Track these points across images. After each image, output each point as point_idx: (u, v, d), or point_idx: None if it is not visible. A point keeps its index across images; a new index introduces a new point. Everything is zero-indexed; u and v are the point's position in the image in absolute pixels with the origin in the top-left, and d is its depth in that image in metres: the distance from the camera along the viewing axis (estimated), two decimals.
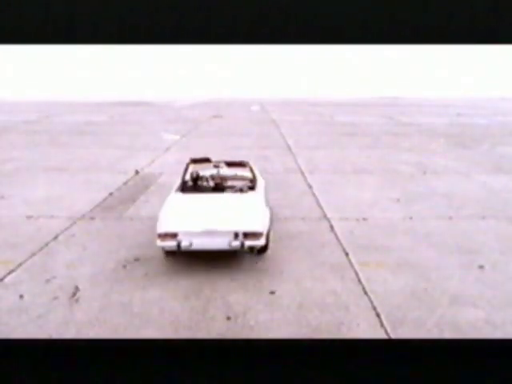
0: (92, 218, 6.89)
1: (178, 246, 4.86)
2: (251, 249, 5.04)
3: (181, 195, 5.93)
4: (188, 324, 3.89)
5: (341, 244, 5.79)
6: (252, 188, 6.26)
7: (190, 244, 4.89)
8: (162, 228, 4.99)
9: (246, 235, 4.93)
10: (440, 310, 4.14)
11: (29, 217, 6.92)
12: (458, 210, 7.44)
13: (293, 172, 10.89)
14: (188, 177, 6.59)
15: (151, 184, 9.41)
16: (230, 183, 6.61)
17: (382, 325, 3.88)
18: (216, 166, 6.84)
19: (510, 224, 6.73)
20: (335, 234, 6.18)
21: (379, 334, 3.75)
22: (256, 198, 5.91)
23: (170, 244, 4.89)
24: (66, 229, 6.37)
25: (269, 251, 5.50)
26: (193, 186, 6.45)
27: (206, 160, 6.76)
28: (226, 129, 22.82)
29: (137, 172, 10.64)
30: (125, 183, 9.44)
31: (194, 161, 6.77)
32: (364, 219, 6.89)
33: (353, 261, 5.24)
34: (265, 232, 5.08)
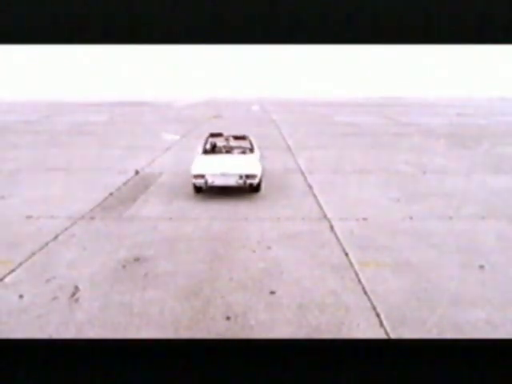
0: (92, 218, 6.89)
1: (206, 182, 7.89)
2: (250, 185, 8.04)
3: (204, 155, 9.08)
4: (188, 324, 3.89)
5: (341, 244, 5.80)
6: (251, 151, 9.54)
7: (213, 181, 7.91)
8: (196, 171, 8.02)
9: (247, 176, 7.89)
10: (440, 309, 4.14)
11: (29, 217, 6.92)
12: (458, 210, 7.44)
13: (293, 172, 10.89)
14: (208, 145, 9.77)
15: (151, 184, 9.40)
16: (235, 150, 9.70)
17: (381, 325, 3.88)
18: (226, 139, 9.98)
19: (510, 224, 6.73)
20: (335, 234, 6.18)
21: (379, 334, 3.75)
22: (253, 157, 9.06)
23: (200, 181, 7.93)
24: (66, 229, 6.37)
25: (269, 251, 5.52)
26: (211, 150, 9.62)
27: (220, 134, 9.96)
28: (226, 129, 22.77)
29: (137, 172, 10.64)
30: (125, 183, 9.44)
31: (212, 135, 9.98)
32: (364, 219, 6.89)
33: (353, 261, 5.24)
34: (258, 175, 8.03)
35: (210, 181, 7.90)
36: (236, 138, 9.99)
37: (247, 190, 8.25)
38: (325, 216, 7.06)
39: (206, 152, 9.42)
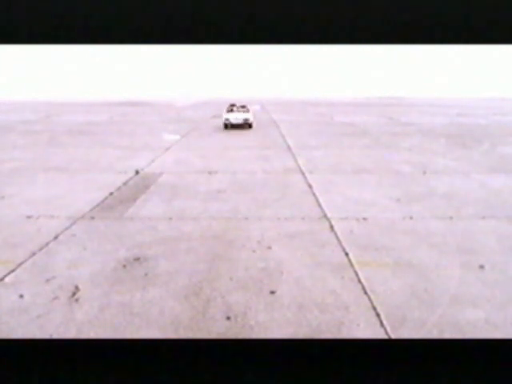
0: (92, 218, 6.89)
1: (230, 122, 22.72)
2: (248, 124, 22.87)
3: (227, 113, 24.00)
4: (188, 324, 3.89)
5: (341, 244, 5.80)
6: (248, 112, 24.42)
7: (232, 122, 22.64)
8: (225, 117, 23.22)
9: (247, 119, 22.81)
10: (440, 309, 4.14)
11: (29, 217, 6.92)
12: (458, 210, 7.44)
13: (293, 172, 10.89)
14: (229, 109, 24.94)
15: (151, 184, 9.41)
16: (241, 111, 24.37)
17: (381, 324, 3.88)
18: (237, 107, 25.10)
19: (510, 224, 6.73)
20: (335, 234, 6.18)
21: (379, 334, 3.75)
22: (249, 113, 24.09)
23: (227, 122, 22.78)
24: (66, 229, 6.37)
25: (268, 251, 5.53)
26: (230, 110, 24.37)
27: (234, 104, 26.14)
28: (226, 129, 22.82)
29: (137, 172, 10.65)
30: (125, 183, 9.44)
31: (231, 104, 26.07)
32: (364, 219, 6.89)
33: (353, 261, 5.24)
34: (251, 119, 23.25)
35: (232, 121, 22.21)
36: (241, 106, 25.07)
37: (247, 126, 22.48)
38: (325, 215, 7.06)
39: (228, 111, 23.85)
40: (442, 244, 5.83)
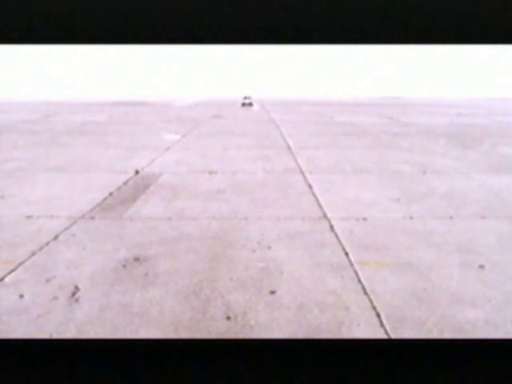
0: (92, 218, 6.89)
1: (244, 103, 54.38)
2: (251, 104, 54.06)
3: (243, 99, 60.15)
4: (188, 324, 3.89)
5: (341, 244, 5.80)
6: (251, 100, 60.68)
7: (245, 104, 54.66)
8: (242, 101, 57.22)
9: (251, 102, 54.98)
10: (440, 309, 4.14)
11: (29, 216, 6.92)
12: (458, 210, 7.45)
13: (293, 172, 10.89)
14: (243, 97, 63.01)
15: (151, 184, 9.41)
16: (248, 99, 59.34)
17: (381, 324, 3.88)
18: (247, 97, 61.19)
19: (510, 224, 6.73)
20: (335, 234, 6.18)
21: (379, 334, 3.75)
22: (252, 100, 60.19)
23: (243, 103, 54.96)
24: (66, 228, 6.37)
25: (268, 251, 5.52)
26: (244, 98, 60.11)
27: (246, 96, 63.21)
28: (227, 129, 22.83)
29: (137, 172, 10.64)
30: (125, 183, 9.44)
31: (245, 96, 63.04)
32: (364, 219, 6.89)
33: (353, 260, 5.24)
34: (253, 102, 55.58)
35: (245, 102, 53.64)
36: (248, 97, 59.73)
37: (250, 105, 52.32)
38: (325, 215, 7.06)
39: (243, 99, 58.22)
40: (441, 244, 5.83)
